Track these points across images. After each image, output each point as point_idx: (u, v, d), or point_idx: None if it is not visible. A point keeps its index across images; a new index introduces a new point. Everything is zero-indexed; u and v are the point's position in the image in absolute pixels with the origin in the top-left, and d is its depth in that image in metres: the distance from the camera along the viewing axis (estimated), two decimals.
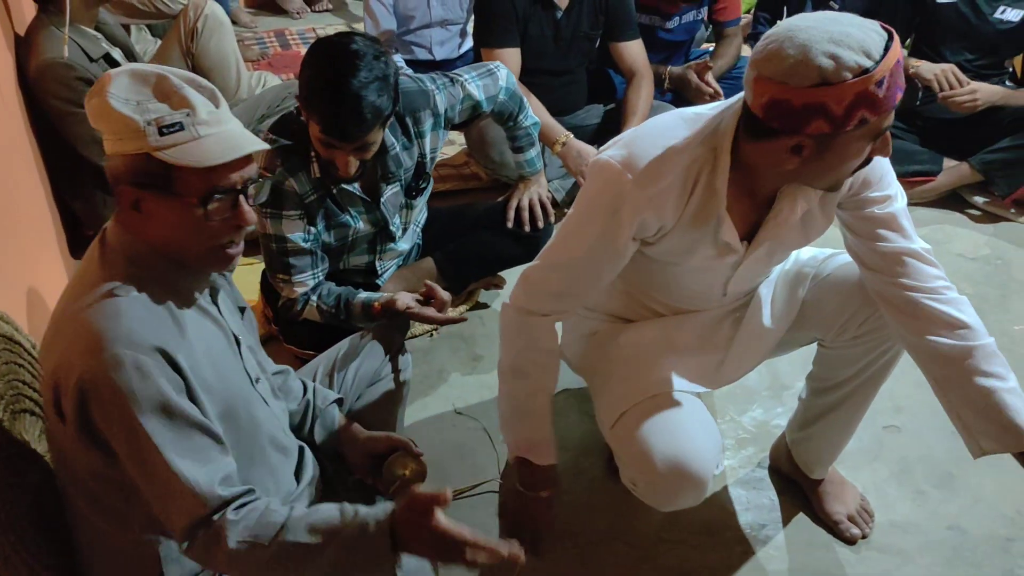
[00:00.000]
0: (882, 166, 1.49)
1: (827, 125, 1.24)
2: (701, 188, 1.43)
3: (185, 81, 1.19)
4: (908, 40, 3.40)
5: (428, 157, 2.19)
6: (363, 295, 2.06)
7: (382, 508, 1.23)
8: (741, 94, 1.40)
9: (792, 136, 1.28)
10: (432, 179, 2.28)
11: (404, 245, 2.34)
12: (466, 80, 2.22)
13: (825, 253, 1.74)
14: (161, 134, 1.15)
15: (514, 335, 1.64)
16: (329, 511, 1.23)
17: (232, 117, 1.24)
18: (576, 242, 1.52)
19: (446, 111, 2.17)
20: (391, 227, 2.20)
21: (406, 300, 1.95)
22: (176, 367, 1.19)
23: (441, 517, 1.19)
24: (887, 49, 1.22)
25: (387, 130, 2.02)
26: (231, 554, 1.18)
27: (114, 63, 2.63)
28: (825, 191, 1.45)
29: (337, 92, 1.77)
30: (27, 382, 1.54)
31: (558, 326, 1.87)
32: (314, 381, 1.70)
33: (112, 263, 1.23)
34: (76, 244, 2.77)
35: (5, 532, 1.27)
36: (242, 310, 1.49)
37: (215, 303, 1.36)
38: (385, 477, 1.56)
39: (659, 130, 1.45)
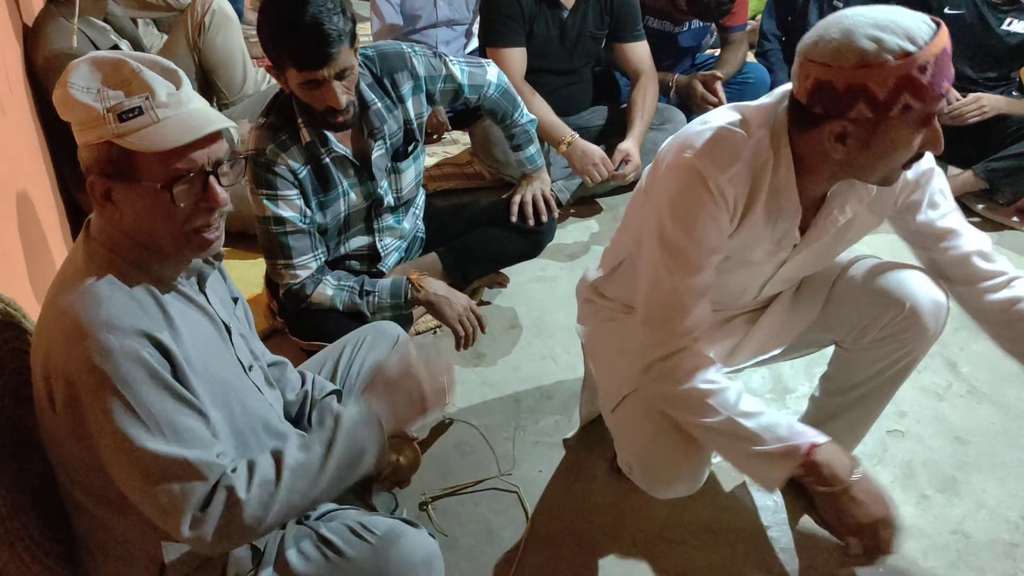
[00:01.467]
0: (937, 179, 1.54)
1: (870, 110, 1.25)
2: (768, 182, 1.42)
3: (145, 64, 1.18)
4: None
5: (414, 123, 2.19)
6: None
7: (355, 405, 1.31)
8: (784, 88, 1.41)
9: (836, 121, 1.28)
10: (422, 145, 2.27)
11: (405, 224, 2.35)
12: (450, 60, 2.23)
13: (851, 255, 1.74)
14: (120, 120, 1.14)
15: (683, 381, 1.47)
16: (312, 432, 1.29)
17: (196, 96, 1.22)
18: (694, 243, 1.43)
19: (426, 79, 2.17)
20: (379, 190, 2.19)
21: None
22: (164, 350, 1.18)
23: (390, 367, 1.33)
24: (934, 37, 1.23)
25: (367, 88, 2.05)
26: (248, 505, 1.18)
27: None
28: (878, 185, 1.44)
29: (297, 25, 1.80)
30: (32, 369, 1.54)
31: (573, 307, 1.91)
32: (320, 374, 1.70)
33: (94, 253, 1.23)
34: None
35: (11, 519, 1.27)
36: (235, 300, 1.49)
37: (203, 291, 1.35)
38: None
39: (712, 119, 1.45)
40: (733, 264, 1.54)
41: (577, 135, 2.86)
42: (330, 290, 2.12)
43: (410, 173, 2.27)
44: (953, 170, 3.13)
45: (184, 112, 1.18)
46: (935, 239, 1.57)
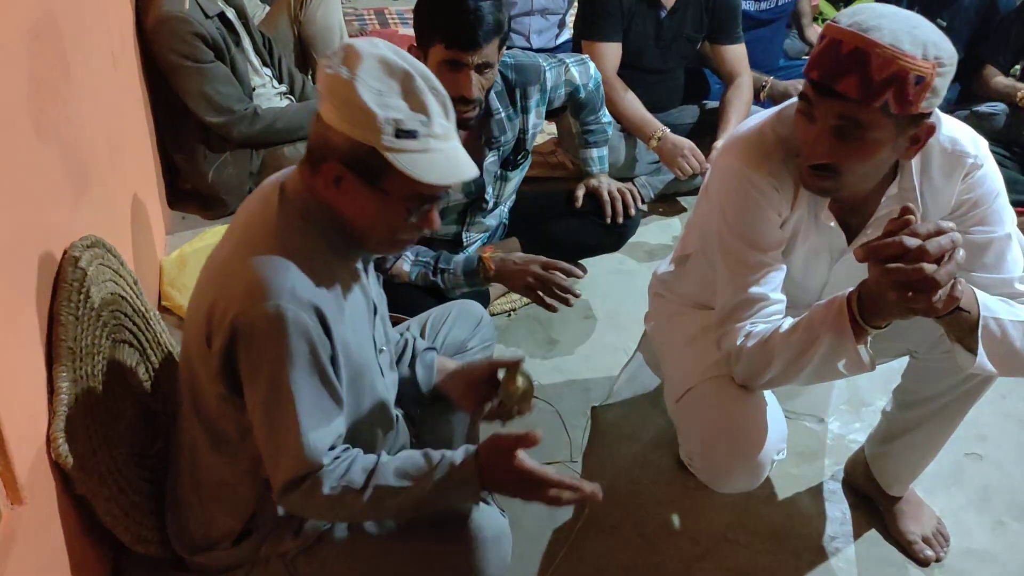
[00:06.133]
0: (996, 197, 1.46)
1: None
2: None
3: (426, 84, 1.19)
4: (1017, 66, 3.30)
5: (529, 133, 2.23)
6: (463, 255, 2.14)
7: (464, 449, 1.29)
8: None
9: None
10: (530, 155, 2.30)
11: (491, 221, 2.37)
12: (569, 63, 2.28)
13: None
14: (396, 136, 1.16)
15: (744, 349, 1.48)
16: (415, 456, 1.30)
17: (455, 133, 1.25)
18: (748, 244, 1.47)
19: (551, 90, 2.22)
20: (486, 195, 2.22)
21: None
22: (327, 328, 1.23)
23: (524, 457, 1.26)
24: (847, 30, 1.25)
25: (494, 96, 2.08)
26: (327, 499, 1.24)
27: (228, 22, 2.71)
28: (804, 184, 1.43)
29: (459, 4, 1.86)
30: (128, 314, 1.60)
31: (647, 303, 1.91)
32: None
33: (289, 217, 1.26)
34: (173, 196, 2.86)
35: (102, 450, 1.33)
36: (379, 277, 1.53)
37: (365, 269, 1.39)
38: (502, 396, 1.52)
39: (756, 117, 1.52)
40: (786, 256, 1.54)
41: (668, 130, 2.85)
42: (407, 265, 2.15)
43: (514, 182, 2.33)
44: None
45: (449, 150, 1.22)
46: (976, 257, 1.44)
